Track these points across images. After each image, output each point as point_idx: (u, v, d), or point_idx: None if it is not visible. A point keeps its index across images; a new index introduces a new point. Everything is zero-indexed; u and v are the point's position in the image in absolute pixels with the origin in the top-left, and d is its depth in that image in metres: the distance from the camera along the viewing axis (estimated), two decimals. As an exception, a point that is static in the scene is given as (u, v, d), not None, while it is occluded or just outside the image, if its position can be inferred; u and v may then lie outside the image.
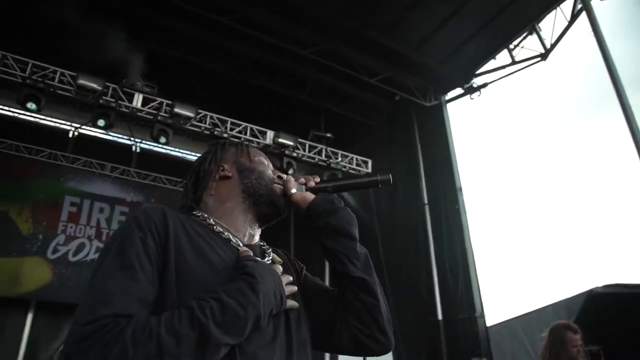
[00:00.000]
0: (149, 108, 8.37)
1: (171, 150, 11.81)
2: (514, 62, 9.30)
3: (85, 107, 8.76)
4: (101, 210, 9.92)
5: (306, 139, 9.63)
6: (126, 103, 8.22)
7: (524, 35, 8.98)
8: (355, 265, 1.24)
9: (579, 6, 8.02)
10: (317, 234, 1.30)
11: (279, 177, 1.41)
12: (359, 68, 9.22)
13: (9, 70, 7.49)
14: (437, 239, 9.35)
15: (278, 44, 8.64)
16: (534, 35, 8.92)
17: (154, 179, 10.65)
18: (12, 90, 7.84)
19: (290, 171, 8.79)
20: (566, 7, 8.37)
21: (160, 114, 8.40)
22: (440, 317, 8.84)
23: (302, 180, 1.38)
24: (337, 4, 8.20)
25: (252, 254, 1.20)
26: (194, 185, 1.41)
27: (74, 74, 7.72)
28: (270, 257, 1.33)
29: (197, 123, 8.71)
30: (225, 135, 8.83)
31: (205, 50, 8.93)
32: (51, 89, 7.72)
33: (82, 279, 9.11)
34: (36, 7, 7.86)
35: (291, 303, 1.19)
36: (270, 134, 9.27)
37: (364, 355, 1.31)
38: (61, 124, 10.63)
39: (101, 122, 7.98)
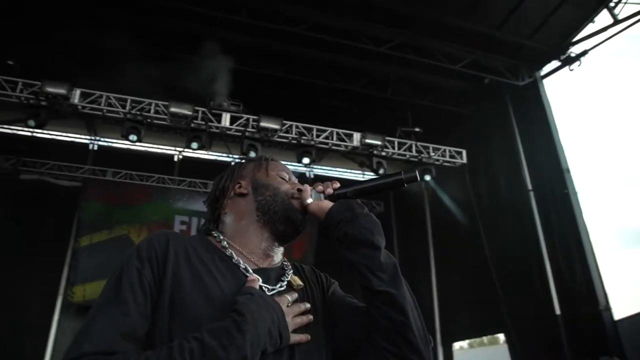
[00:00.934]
0: (237, 125, 8.74)
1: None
2: (616, 22, 8.27)
3: (183, 131, 9.33)
4: (210, 225, 10.56)
5: (394, 136, 9.43)
6: (215, 124, 8.66)
7: (626, -12, 7.99)
8: (380, 278, 1.11)
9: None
10: (338, 246, 1.19)
11: (298, 190, 1.32)
12: (440, 56, 8.83)
13: (112, 109, 8.26)
14: (546, 226, 8.61)
15: (353, 45, 8.56)
16: (638, -12, 7.90)
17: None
18: (116, 124, 8.62)
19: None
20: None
21: (248, 129, 8.73)
22: (558, 311, 8.12)
23: (320, 187, 1.27)
24: (406, -6, 7.95)
25: (259, 281, 1.16)
26: (211, 205, 1.38)
27: (166, 103, 8.29)
28: (285, 282, 1.24)
29: (283, 134, 8.92)
30: (312, 142, 8.96)
31: (284, 62, 9.10)
32: (148, 120, 8.38)
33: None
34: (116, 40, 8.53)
35: (297, 338, 1.11)
36: (357, 136, 9.20)
37: None
38: (166, 149, 11.47)
39: (194, 145, 8.48)
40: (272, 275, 1.23)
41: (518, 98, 9.48)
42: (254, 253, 1.25)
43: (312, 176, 12.14)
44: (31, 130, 9.46)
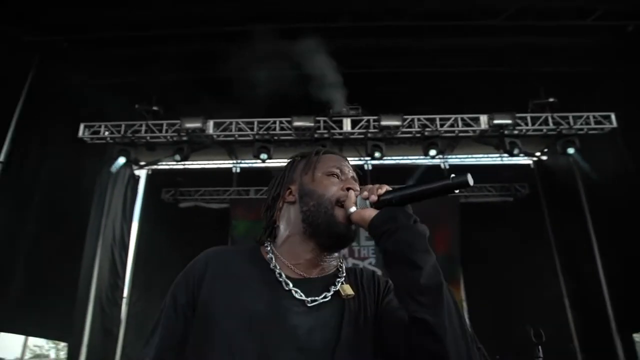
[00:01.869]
0: (358, 129, 8.85)
1: (389, 159, 12.08)
2: None
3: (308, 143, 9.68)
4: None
5: (525, 112, 8.71)
6: (338, 130, 8.87)
7: None
8: (418, 302, 1.01)
9: None
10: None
11: (347, 189, 1.24)
12: (566, 14, 7.95)
13: (242, 132, 8.93)
14: None
15: (466, 24, 8.14)
16: None
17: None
18: (245, 145, 9.29)
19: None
20: None
21: (370, 131, 8.79)
22: None
23: (366, 193, 1.17)
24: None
25: (296, 293, 1.15)
26: (266, 213, 1.34)
27: (289, 119, 8.72)
28: (332, 292, 1.18)
29: (406, 130, 8.79)
30: (436, 133, 8.69)
31: (394, 57, 8.98)
32: (275, 138, 8.90)
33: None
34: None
35: None
36: (483, 118, 8.71)
37: None
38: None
39: (320, 154, 8.78)
40: (317, 285, 1.19)
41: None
42: (299, 264, 1.21)
43: (446, 166, 11.72)
44: (183, 163, 10.64)
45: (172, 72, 9.01)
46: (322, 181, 1.26)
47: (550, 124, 8.50)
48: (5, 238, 8.21)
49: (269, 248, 1.26)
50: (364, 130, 8.82)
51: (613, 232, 8.96)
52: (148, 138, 8.75)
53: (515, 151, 8.43)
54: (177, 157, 8.63)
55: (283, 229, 1.27)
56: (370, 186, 1.19)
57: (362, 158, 11.69)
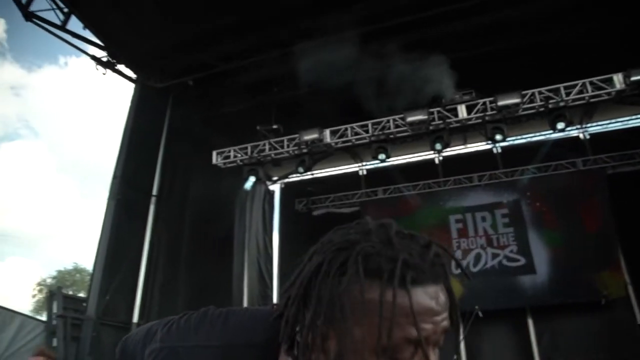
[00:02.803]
0: (475, 113, 8.49)
1: (516, 139, 11.31)
2: None
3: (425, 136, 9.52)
4: (484, 219, 10.35)
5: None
6: (454, 118, 8.61)
7: None
8: None
9: None
10: None
11: None
12: None
13: (359, 136, 9.11)
14: None
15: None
16: None
17: (522, 172, 10.42)
18: (367, 147, 9.43)
19: None
20: None
21: (487, 114, 8.38)
22: None
23: None
24: None
25: None
26: (290, 325, 0.77)
27: (402, 115, 8.69)
28: None
29: (528, 105, 8.22)
30: (562, 104, 7.97)
31: (498, 33, 8.47)
32: (391, 136, 8.92)
33: (487, 286, 9.62)
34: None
35: None
36: (618, 77, 7.77)
37: None
38: (422, 155, 11.80)
39: (438, 145, 8.60)
40: None
41: None
42: None
43: (586, 137, 10.65)
44: (311, 172, 11.17)
45: (289, 90, 9.58)
46: None
47: None
48: (169, 258, 9.46)
49: None
50: (481, 114, 8.43)
51: None
52: (272, 155, 9.36)
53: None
54: (300, 169, 9.11)
55: None
56: None
57: (488, 142, 11.21)
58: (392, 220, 0.78)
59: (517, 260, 9.79)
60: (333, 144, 9.23)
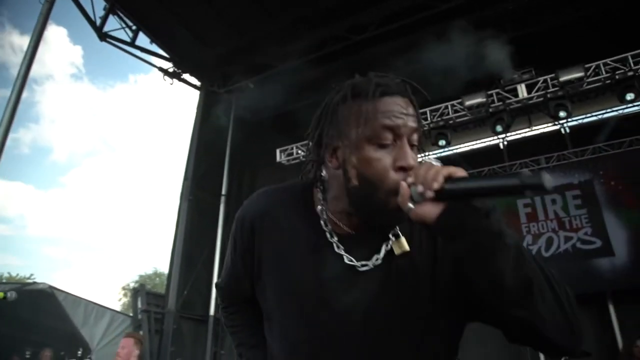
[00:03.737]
0: (536, 92, 8.28)
1: (587, 116, 10.81)
2: None
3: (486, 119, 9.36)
4: (554, 202, 9.98)
5: None
6: (514, 99, 8.43)
7: None
8: (507, 302, 0.91)
9: None
10: None
11: (400, 168, 0.98)
12: None
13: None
14: None
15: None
16: None
17: (593, 151, 9.95)
18: (425, 136, 9.39)
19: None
20: None
21: (549, 91, 8.15)
22: None
23: (420, 188, 0.91)
24: None
25: (345, 259, 1.07)
26: (315, 152, 1.12)
27: (459, 99, 8.61)
28: (382, 255, 1.07)
29: (592, 79, 7.91)
30: (630, 74, 7.61)
31: (553, 9, 8.19)
32: (450, 122, 8.86)
33: (562, 271, 9.20)
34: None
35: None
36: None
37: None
38: (487, 141, 11.57)
39: (499, 128, 8.45)
40: (368, 243, 1.08)
41: None
42: (350, 223, 1.09)
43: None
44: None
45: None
46: (370, 155, 0.99)
47: None
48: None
49: (320, 197, 1.12)
50: (542, 92, 8.20)
51: None
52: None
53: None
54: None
55: (329, 186, 1.10)
56: (422, 173, 0.92)
57: (556, 123, 10.81)
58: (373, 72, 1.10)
59: (593, 243, 9.35)
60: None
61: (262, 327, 1.24)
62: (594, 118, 10.83)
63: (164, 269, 28.97)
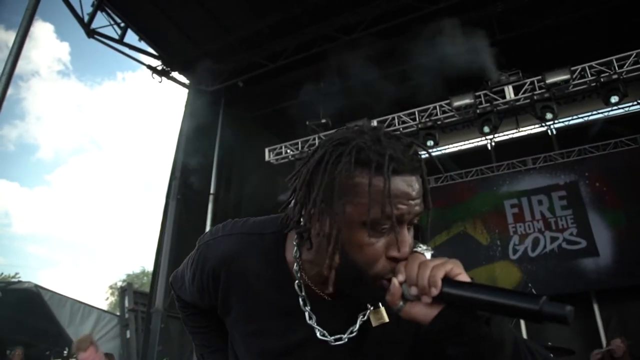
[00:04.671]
0: (522, 93, 8.36)
1: (573, 118, 10.93)
2: None
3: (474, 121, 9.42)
4: (540, 203, 10.10)
5: None
6: (501, 100, 8.51)
7: None
8: None
9: None
10: None
11: (392, 260, 0.90)
12: None
13: (406, 124, 9.17)
14: None
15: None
16: None
17: (578, 152, 10.08)
18: (412, 135, 9.44)
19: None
20: None
21: (535, 93, 8.23)
22: None
23: (415, 290, 0.84)
24: None
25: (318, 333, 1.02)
26: (299, 208, 0.96)
27: (447, 100, 8.67)
28: (357, 328, 1.03)
29: (578, 82, 8.01)
30: (614, 77, 7.70)
31: (542, 12, 8.28)
32: (438, 123, 8.91)
33: (548, 271, 9.41)
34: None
35: None
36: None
37: None
38: (474, 142, 11.68)
39: (486, 129, 8.50)
40: (343, 312, 1.04)
41: None
42: (322, 286, 1.03)
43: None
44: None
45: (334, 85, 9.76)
46: (362, 240, 0.88)
47: None
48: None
49: (296, 254, 1.03)
50: (529, 94, 8.28)
51: None
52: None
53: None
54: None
55: (309, 244, 0.98)
56: (416, 273, 0.85)
57: (542, 124, 10.93)
58: (382, 125, 1.00)
59: (578, 243, 9.48)
60: (381, 135, 9.30)
61: (224, 331, 1.23)
62: (580, 120, 10.97)
63: (152, 268, 28.82)
